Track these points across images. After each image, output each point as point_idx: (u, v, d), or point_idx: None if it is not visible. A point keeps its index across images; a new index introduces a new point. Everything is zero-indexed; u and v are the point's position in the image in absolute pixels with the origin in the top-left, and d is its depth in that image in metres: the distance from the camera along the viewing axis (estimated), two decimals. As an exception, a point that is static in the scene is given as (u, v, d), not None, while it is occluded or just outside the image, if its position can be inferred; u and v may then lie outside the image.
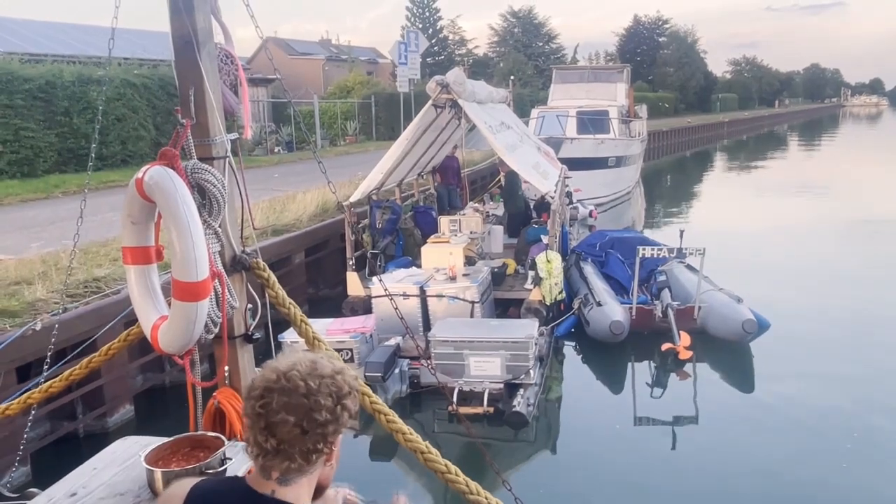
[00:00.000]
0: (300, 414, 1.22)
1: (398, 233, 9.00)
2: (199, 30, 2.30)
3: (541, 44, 55.31)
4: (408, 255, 8.80)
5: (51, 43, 22.86)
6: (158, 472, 1.93)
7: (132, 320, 2.55)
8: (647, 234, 11.58)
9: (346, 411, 1.27)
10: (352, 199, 8.29)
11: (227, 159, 2.46)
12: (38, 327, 4.79)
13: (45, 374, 3.19)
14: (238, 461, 2.11)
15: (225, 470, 2.00)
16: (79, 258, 6.49)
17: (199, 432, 2.32)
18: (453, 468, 2.27)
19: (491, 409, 5.76)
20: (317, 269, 9.35)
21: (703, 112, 60.41)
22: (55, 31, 25.01)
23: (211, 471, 1.95)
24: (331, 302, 8.77)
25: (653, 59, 63.76)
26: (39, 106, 13.30)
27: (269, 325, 2.76)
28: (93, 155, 3.01)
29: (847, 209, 17.28)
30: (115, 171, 13.69)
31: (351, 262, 8.09)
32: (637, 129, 21.62)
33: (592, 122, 17.98)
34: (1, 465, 4.51)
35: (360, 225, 8.66)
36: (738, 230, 14.55)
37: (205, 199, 2.31)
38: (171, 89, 15.34)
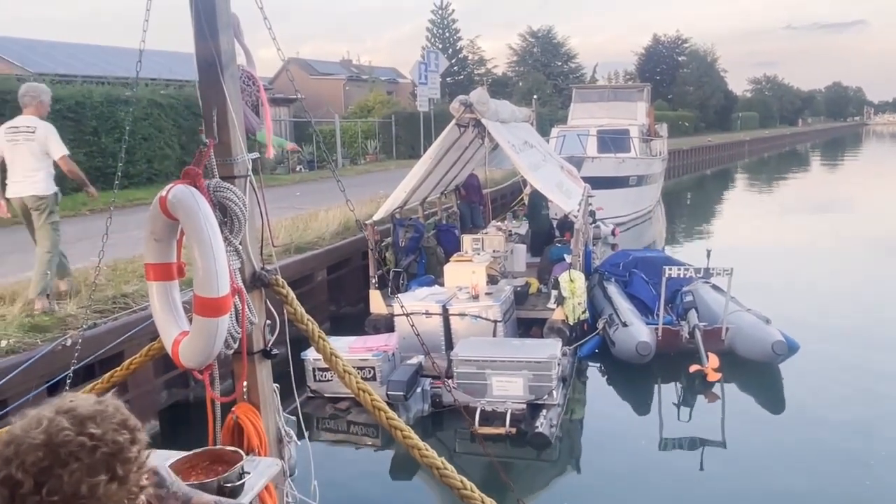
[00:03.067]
0: None
1: (421, 251, 9.01)
2: (222, 52, 2.36)
3: (560, 63, 55.59)
4: (430, 273, 8.80)
5: (80, 64, 23.45)
6: None
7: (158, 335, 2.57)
8: (670, 253, 11.46)
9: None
10: (375, 218, 8.33)
11: (249, 178, 2.51)
12: (68, 343, 4.85)
13: (67, 388, 3.23)
14: (256, 475, 2.13)
15: (243, 484, 2.02)
16: (107, 274, 6.59)
17: (218, 446, 2.36)
18: (469, 484, 2.26)
19: (514, 430, 5.70)
20: (339, 286, 9.38)
21: (724, 131, 60.11)
22: (84, 53, 25.66)
23: (229, 484, 1.97)
24: (353, 320, 8.78)
25: (672, 78, 63.72)
26: (69, 125, 13.58)
27: (288, 341, 2.77)
28: (119, 174, 3.07)
29: (874, 228, 16.98)
30: (140, 189, 13.91)
31: (374, 280, 8.10)
32: (658, 148, 21.53)
33: (613, 140, 17.94)
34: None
35: (383, 243, 8.69)
36: (764, 250, 14.35)
37: (226, 216, 2.36)
38: (196, 109, 15.58)
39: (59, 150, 5.41)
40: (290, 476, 2.74)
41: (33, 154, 5.33)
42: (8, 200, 5.52)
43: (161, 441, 5.85)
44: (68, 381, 3.20)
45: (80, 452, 1.10)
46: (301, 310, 2.57)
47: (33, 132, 5.31)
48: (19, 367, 4.58)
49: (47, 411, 1.14)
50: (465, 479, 2.27)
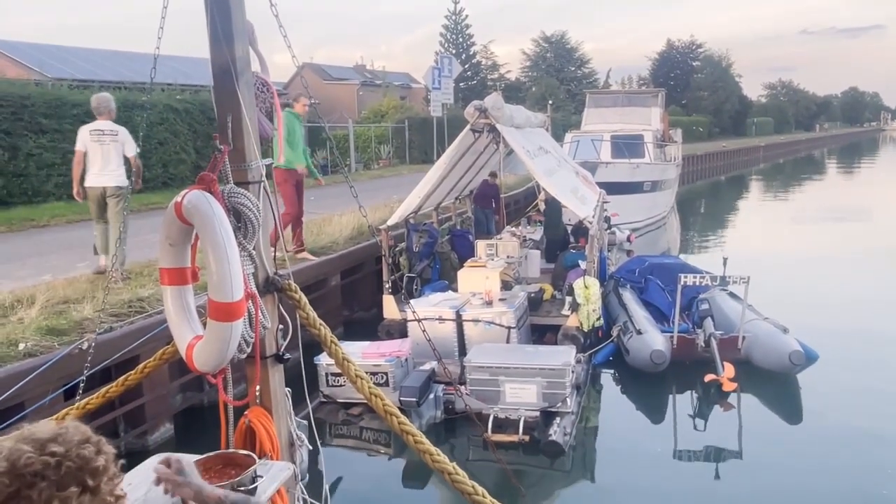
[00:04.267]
0: None
1: (435, 256, 9.01)
2: (237, 59, 2.38)
3: (573, 68, 55.49)
4: (444, 278, 8.79)
5: (98, 69, 23.75)
6: None
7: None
8: (685, 260, 11.36)
9: None
10: (389, 223, 8.33)
11: (262, 183, 2.52)
12: (84, 346, 4.87)
13: (81, 390, 3.26)
14: (268, 479, 2.13)
15: (255, 488, 2.03)
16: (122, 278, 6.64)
17: (231, 450, 2.36)
18: (480, 490, 2.25)
19: (527, 438, 5.66)
20: (352, 291, 9.39)
21: (738, 136, 59.68)
22: (102, 58, 25.98)
23: (242, 488, 1.98)
24: (366, 325, 8.77)
25: (686, 83, 63.38)
26: (87, 130, 13.76)
27: (301, 346, 2.78)
28: (133, 178, 3.11)
29: (893, 236, 16.75)
30: (156, 193, 14.02)
31: (387, 286, 8.09)
32: (672, 154, 21.41)
33: (627, 146, 17.86)
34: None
35: (397, 248, 8.69)
36: (781, 257, 14.18)
37: (240, 222, 2.37)
38: (212, 114, 15.73)
39: (132, 149, 6.65)
40: (302, 480, 2.74)
41: (117, 152, 6.51)
42: (83, 189, 6.56)
43: (175, 444, 5.88)
44: (81, 384, 3.22)
45: (46, 471, 1.13)
46: (314, 314, 2.58)
47: (116, 135, 6.52)
48: (36, 370, 4.61)
49: (7, 442, 1.17)
50: (476, 485, 2.26)
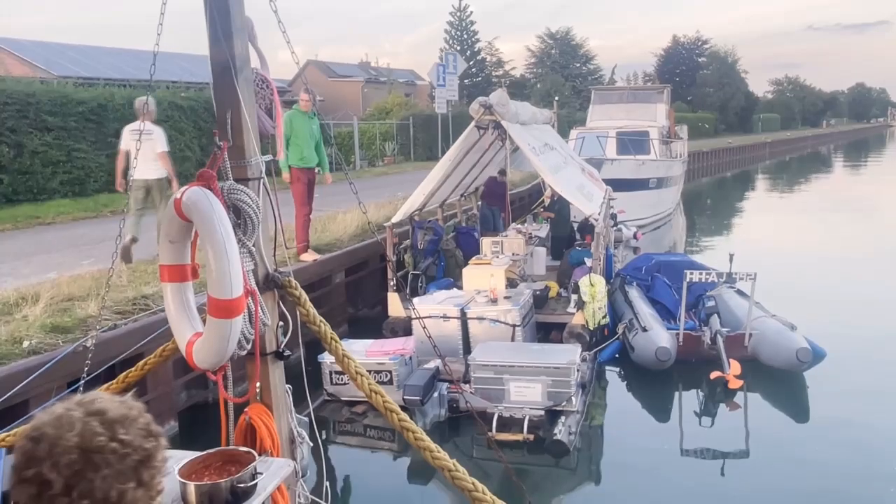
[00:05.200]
0: None
1: (440, 254, 8.98)
2: (236, 56, 2.38)
3: (578, 65, 55.35)
4: (449, 276, 8.76)
5: (103, 67, 23.79)
6: (192, 486, 1.95)
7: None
8: (691, 257, 11.30)
9: None
10: (394, 220, 8.31)
11: (262, 180, 2.53)
12: (89, 343, 4.87)
13: (82, 388, 3.26)
14: (268, 476, 2.13)
15: (255, 485, 2.02)
16: (127, 276, 6.64)
17: (231, 447, 2.36)
18: (480, 487, 2.23)
19: (531, 437, 5.63)
20: (357, 289, 9.37)
21: (744, 132, 59.43)
22: (107, 56, 26.03)
23: (242, 485, 1.98)
24: (371, 322, 8.76)
25: (692, 80, 63.11)
26: (91, 127, 13.77)
27: (301, 344, 2.78)
28: (132, 174, 3.12)
29: (901, 233, 16.64)
30: (161, 190, 14.03)
31: (392, 283, 8.07)
32: (678, 150, 21.32)
33: (633, 143, 17.79)
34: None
35: (402, 245, 8.66)
36: (788, 254, 14.10)
37: (240, 218, 2.37)
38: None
39: (162, 147, 7.44)
40: (303, 477, 2.74)
41: (153, 150, 7.29)
42: (126, 181, 7.51)
43: (180, 442, 5.86)
44: (82, 381, 3.22)
45: (112, 458, 1.11)
46: (314, 311, 2.56)
47: (152, 134, 7.30)
48: (41, 368, 4.61)
49: (77, 412, 1.14)
50: (476, 482, 2.25)
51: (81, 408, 1.14)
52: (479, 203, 11.65)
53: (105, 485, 1.10)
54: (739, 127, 62.27)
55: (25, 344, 4.87)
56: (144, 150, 6.88)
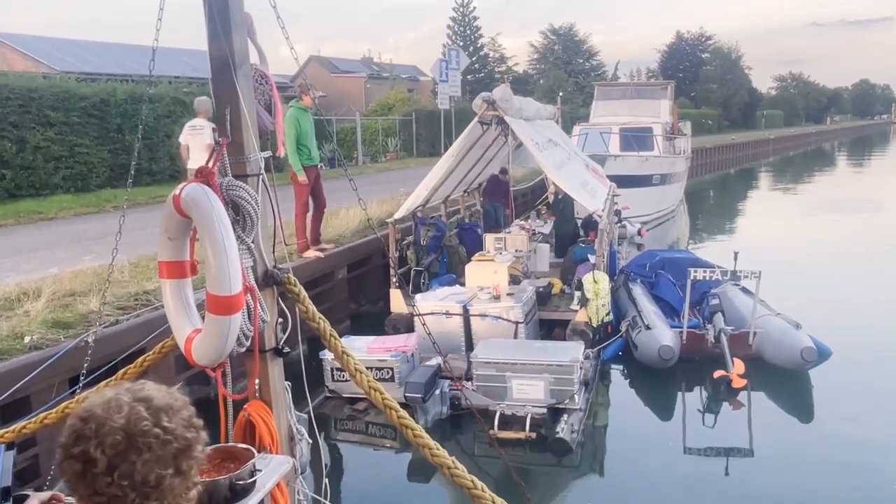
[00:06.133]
0: None
1: (443, 250, 8.94)
2: (235, 52, 2.36)
3: (581, 60, 55.18)
4: (452, 272, 8.72)
5: (105, 63, 23.75)
6: None
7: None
8: (695, 254, 11.24)
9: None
10: (396, 216, 8.27)
11: (261, 176, 2.52)
12: (90, 339, 4.85)
13: (81, 384, 3.24)
14: (267, 473, 2.13)
15: (254, 482, 2.02)
16: (129, 271, 6.62)
17: (230, 444, 2.35)
18: (479, 484, 2.21)
19: (533, 435, 5.60)
20: (359, 285, 9.35)
21: (748, 129, 59.26)
22: (110, 52, 25.99)
23: (241, 482, 1.98)
24: (373, 318, 8.73)
25: (695, 76, 62.89)
26: (93, 123, 13.75)
27: (300, 341, 2.76)
28: (132, 172, 3.12)
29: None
30: (163, 186, 14.01)
31: (394, 280, 8.04)
32: (681, 147, 21.23)
33: (636, 139, 17.72)
34: (46, 476, 4.55)
35: (405, 242, 8.63)
36: (793, 251, 14.05)
37: (238, 215, 2.35)
38: (219, 107, 15.89)
39: (209, 140, 8.01)
40: (302, 474, 2.73)
41: (206, 144, 8.02)
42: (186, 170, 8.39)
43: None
44: (81, 377, 3.20)
45: (155, 444, 1.16)
46: (313, 308, 2.55)
47: (203, 129, 8.29)
48: (42, 363, 4.59)
49: (125, 396, 1.19)
50: (475, 479, 2.23)
51: (130, 394, 1.20)
52: (481, 199, 11.61)
53: (145, 468, 1.14)
54: (743, 123, 62.08)
55: (27, 339, 4.86)
56: (197, 143, 8.29)
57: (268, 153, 2.60)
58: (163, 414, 1.19)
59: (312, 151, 7.81)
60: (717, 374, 6.75)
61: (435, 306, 6.95)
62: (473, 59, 46.69)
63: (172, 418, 1.20)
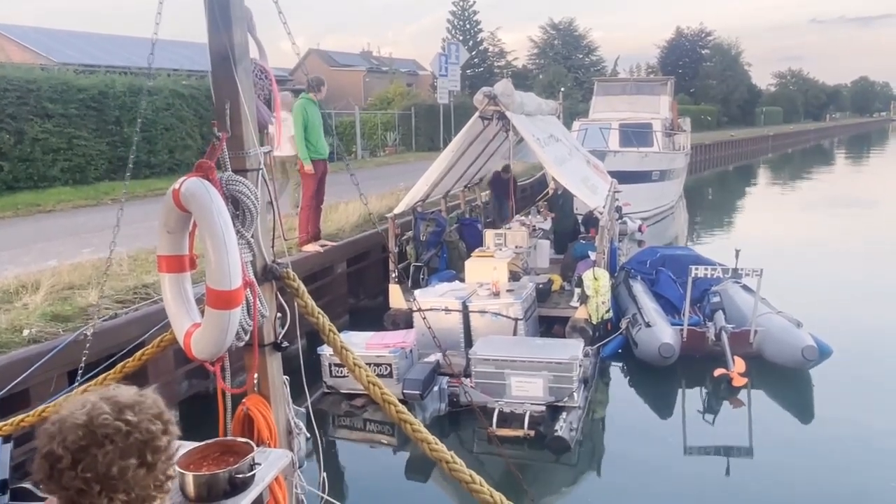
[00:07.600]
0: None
1: (442, 245, 8.92)
2: (235, 46, 2.37)
3: (581, 56, 55.08)
4: (452, 268, 8.69)
5: (104, 54, 23.64)
6: (190, 476, 1.96)
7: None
8: (695, 250, 11.23)
9: None
10: (396, 211, 8.24)
11: (261, 171, 2.52)
12: (89, 332, 4.82)
13: (79, 377, 3.23)
14: (266, 467, 2.14)
15: (253, 475, 2.03)
16: (128, 265, 6.58)
17: (229, 438, 2.38)
18: (478, 479, 2.22)
19: (532, 433, 5.57)
20: (359, 279, 9.32)
21: (747, 125, 59.24)
22: (109, 43, 25.87)
23: (240, 475, 1.99)
24: (372, 314, 8.71)
25: (695, 72, 62.85)
26: (92, 115, 13.69)
27: (299, 336, 2.79)
28: (130, 165, 3.16)
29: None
30: (162, 179, 13.97)
31: (394, 275, 8.02)
32: (681, 143, 21.20)
33: (636, 134, 17.69)
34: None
35: (404, 237, 8.60)
36: (794, 249, 14.02)
37: (238, 209, 2.36)
38: (218, 99, 15.88)
39: (290, 131, 8.16)
40: (300, 468, 2.75)
41: (288, 133, 8.26)
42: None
43: (182, 432, 5.83)
44: (80, 370, 3.19)
45: (116, 436, 1.20)
46: (312, 303, 2.56)
47: (286, 121, 8.04)
48: (41, 357, 4.57)
49: (93, 396, 1.25)
50: (474, 474, 2.24)
51: (97, 394, 1.26)
52: (488, 193, 11.59)
53: (107, 460, 1.18)
54: (742, 120, 62.08)
55: (25, 332, 4.83)
56: (284, 134, 8.61)
57: (267, 148, 2.61)
58: (127, 410, 1.23)
59: (320, 143, 7.78)
60: (718, 372, 6.73)
61: (434, 302, 6.93)
62: (473, 53, 46.53)
63: (137, 413, 1.24)
